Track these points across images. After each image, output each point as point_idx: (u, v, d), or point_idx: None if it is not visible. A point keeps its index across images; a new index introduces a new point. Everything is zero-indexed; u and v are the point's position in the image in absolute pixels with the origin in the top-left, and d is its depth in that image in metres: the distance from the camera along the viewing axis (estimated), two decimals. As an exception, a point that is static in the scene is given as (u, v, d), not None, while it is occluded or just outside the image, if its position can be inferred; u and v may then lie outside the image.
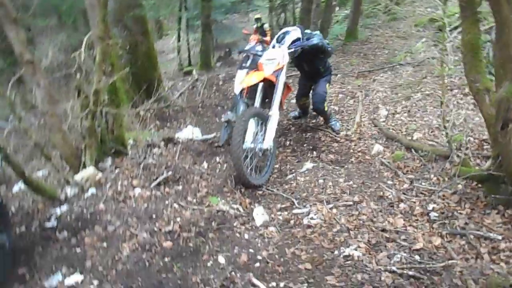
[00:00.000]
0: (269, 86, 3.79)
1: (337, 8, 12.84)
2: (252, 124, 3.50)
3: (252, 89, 3.85)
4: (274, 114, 3.61)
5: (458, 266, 2.11)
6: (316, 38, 4.04)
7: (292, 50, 4.04)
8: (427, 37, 7.62)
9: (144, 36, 5.32)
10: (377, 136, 4.25)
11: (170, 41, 15.25)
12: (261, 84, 3.78)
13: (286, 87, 4.06)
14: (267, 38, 9.09)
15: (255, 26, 10.30)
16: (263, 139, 3.53)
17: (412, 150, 3.70)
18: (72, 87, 3.13)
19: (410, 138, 4.03)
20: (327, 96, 4.40)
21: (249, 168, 3.41)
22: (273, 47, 4.18)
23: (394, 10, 9.84)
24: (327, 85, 4.40)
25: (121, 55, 5.12)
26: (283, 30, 4.41)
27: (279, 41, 4.18)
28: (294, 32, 4.23)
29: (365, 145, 4.10)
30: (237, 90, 3.68)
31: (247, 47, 8.73)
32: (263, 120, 3.59)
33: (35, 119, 4.52)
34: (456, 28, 6.40)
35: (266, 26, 9.38)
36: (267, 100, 3.82)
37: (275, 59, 3.84)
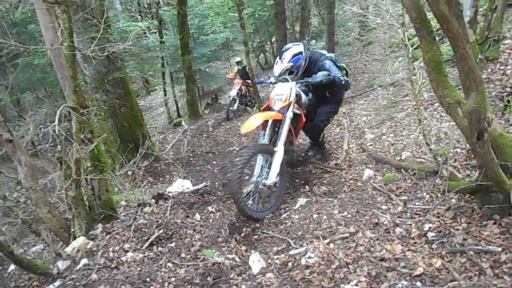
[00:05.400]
0: (279, 121, 3.80)
1: (313, 41, 13.33)
2: (260, 159, 3.63)
3: (266, 123, 3.86)
4: (279, 150, 3.62)
5: (461, 287, 2.02)
6: (321, 75, 3.85)
7: (299, 86, 4.08)
8: (402, 56, 7.85)
9: (126, 97, 5.45)
10: (366, 161, 4.24)
11: (158, 96, 15.63)
12: (270, 120, 3.80)
13: (300, 118, 4.01)
14: (249, 81, 9.33)
15: (236, 69, 10.63)
16: (268, 175, 3.57)
17: (402, 170, 3.68)
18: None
19: (399, 158, 4.02)
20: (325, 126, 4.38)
21: (253, 201, 3.57)
22: (276, 63, 4.16)
23: (367, 36, 10.21)
24: (331, 118, 4.38)
25: (106, 119, 5.21)
26: (286, 46, 4.31)
27: (281, 57, 4.15)
28: (296, 47, 4.14)
29: (356, 171, 4.07)
30: (243, 131, 3.71)
31: (233, 91, 9.08)
32: (269, 155, 3.64)
33: (21, 196, 4.52)
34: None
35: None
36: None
37: (283, 94, 3.86)
